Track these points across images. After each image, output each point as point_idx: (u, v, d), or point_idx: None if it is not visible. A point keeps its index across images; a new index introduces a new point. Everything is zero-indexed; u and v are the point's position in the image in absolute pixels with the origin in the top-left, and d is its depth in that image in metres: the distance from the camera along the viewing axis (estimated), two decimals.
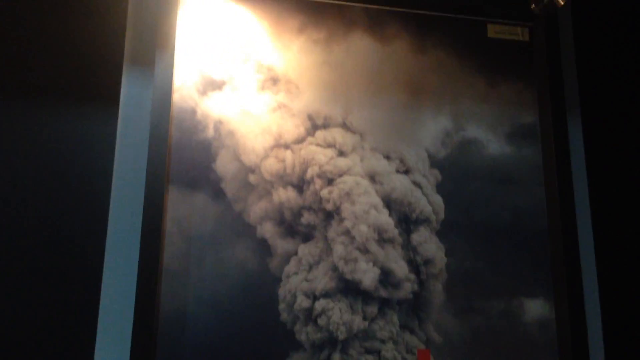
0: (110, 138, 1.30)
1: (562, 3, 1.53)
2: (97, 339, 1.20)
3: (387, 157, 1.48)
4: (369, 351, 1.35)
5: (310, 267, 1.37)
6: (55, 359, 1.19)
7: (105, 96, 1.32)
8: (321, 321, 1.34)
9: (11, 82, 1.30)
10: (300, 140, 1.43)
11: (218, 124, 1.39)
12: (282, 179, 1.40)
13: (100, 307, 1.21)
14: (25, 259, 1.22)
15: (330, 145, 1.45)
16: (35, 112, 1.29)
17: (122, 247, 1.25)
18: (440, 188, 1.49)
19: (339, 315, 1.34)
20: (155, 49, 1.36)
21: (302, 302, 1.34)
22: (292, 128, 1.43)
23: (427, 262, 1.43)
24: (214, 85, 1.41)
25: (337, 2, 1.54)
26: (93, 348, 1.20)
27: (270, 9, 1.50)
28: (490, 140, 1.55)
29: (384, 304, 1.38)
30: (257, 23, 1.48)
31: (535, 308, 1.46)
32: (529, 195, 1.54)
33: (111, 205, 1.27)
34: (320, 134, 1.45)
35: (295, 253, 1.37)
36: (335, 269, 1.37)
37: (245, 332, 1.30)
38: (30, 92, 1.30)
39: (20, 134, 1.27)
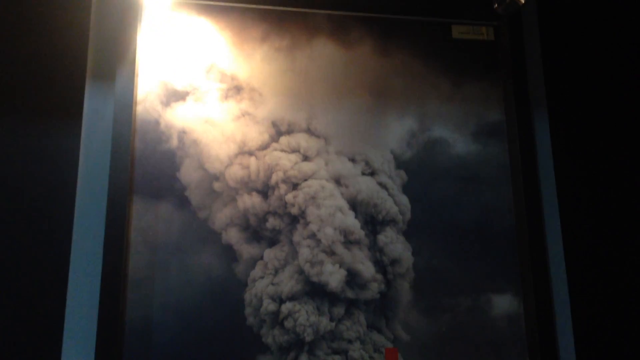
0: (74, 151, 1.32)
1: (523, 2, 1.55)
2: (63, 348, 1.22)
3: (352, 160, 1.49)
4: (336, 351, 1.37)
5: (276, 271, 1.39)
6: None
7: (68, 110, 1.34)
8: (288, 324, 1.35)
9: None
10: (264, 147, 1.45)
11: (182, 134, 1.42)
12: (247, 185, 1.42)
13: (66, 316, 1.24)
14: None
15: (294, 151, 1.46)
16: None
17: (86, 258, 1.27)
18: (406, 188, 1.50)
19: (306, 317, 1.36)
20: (116, 62, 1.39)
21: (269, 305, 1.36)
22: (256, 135, 1.45)
23: (394, 262, 1.45)
24: (177, 96, 1.44)
25: (300, 9, 1.56)
26: (59, 357, 1.22)
27: (233, 19, 1.52)
28: (457, 140, 1.56)
29: (351, 305, 1.40)
30: (219, 33, 1.50)
31: (503, 303, 1.48)
32: (495, 193, 1.55)
33: (75, 216, 1.29)
34: (284, 140, 1.47)
35: (261, 258, 1.39)
36: (301, 272, 1.39)
37: (212, 338, 1.32)
38: None
39: None
